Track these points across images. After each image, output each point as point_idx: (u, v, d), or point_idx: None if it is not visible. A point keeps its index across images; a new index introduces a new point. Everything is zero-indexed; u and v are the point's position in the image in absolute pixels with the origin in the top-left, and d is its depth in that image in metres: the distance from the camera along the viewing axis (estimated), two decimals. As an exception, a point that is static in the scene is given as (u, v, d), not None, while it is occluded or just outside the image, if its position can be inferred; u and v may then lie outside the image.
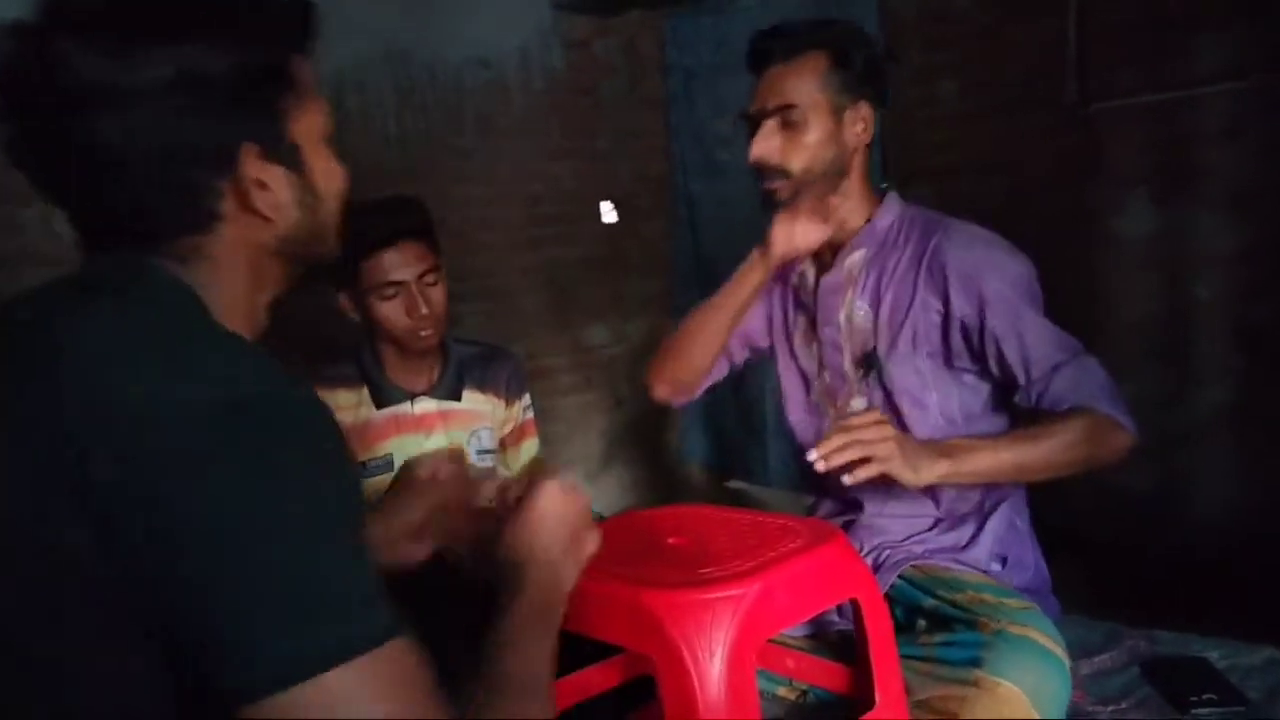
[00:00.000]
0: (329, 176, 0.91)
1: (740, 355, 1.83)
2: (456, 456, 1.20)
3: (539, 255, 3.51)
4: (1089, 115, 2.85)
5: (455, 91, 3.22)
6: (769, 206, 1.57)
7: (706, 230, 3.77)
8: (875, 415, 1.31)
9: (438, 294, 1.75)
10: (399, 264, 1.69)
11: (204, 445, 0.67)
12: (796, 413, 1.73)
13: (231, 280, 0.84)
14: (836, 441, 1.25)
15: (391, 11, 3.01)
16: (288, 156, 0.85)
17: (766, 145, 1.54)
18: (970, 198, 3.06)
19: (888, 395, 1.56)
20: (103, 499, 0.67)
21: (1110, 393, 1.42)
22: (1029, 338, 1.43)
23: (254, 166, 0.82)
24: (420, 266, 1.71)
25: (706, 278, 3.79)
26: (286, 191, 0.85)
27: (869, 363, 1.56)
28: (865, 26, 3.11)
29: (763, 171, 1.56)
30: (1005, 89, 3.05)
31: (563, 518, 0.99)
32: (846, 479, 1.26)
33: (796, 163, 1.52)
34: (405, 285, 1.70)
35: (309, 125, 0.87)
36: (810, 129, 1.52)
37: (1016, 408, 1.49)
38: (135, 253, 0.80)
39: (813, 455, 1.24)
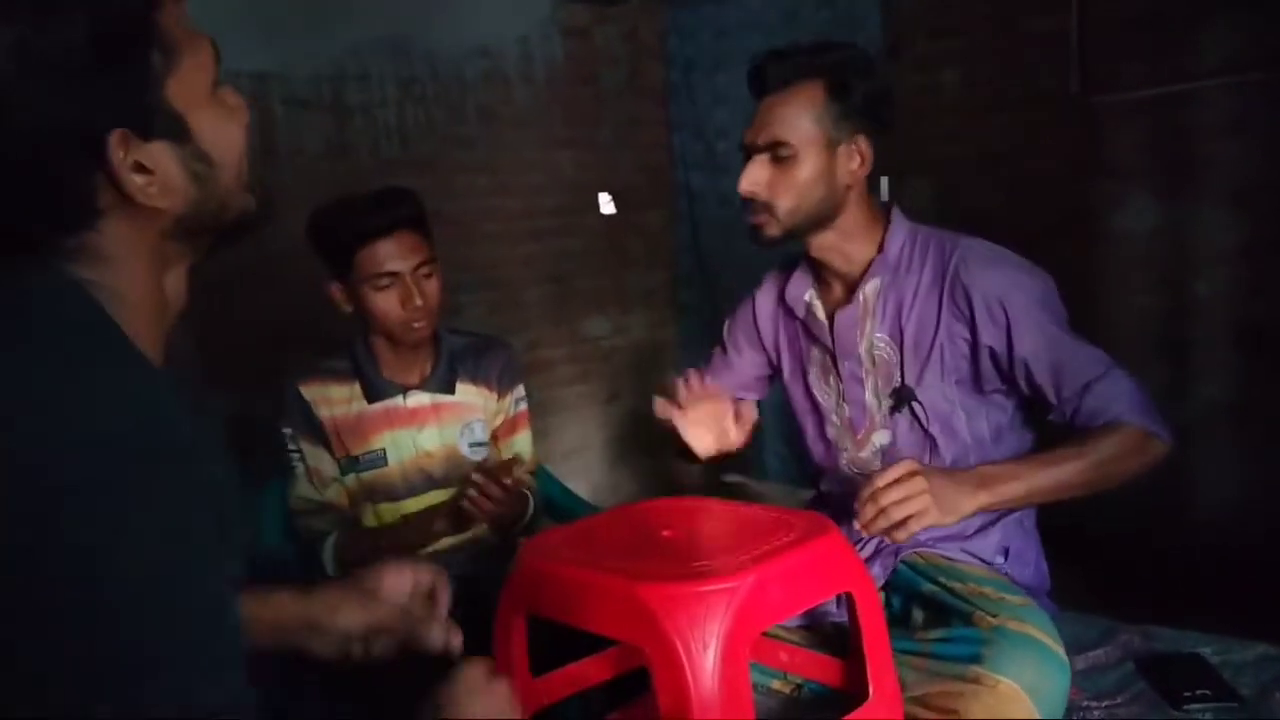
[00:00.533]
0: (223, 133, 0.79)
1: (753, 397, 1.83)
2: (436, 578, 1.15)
3: (540, 246, 3.51)
4: (1091, 108, 2.85)
5: (456, 81, 3.22)
6: (756, 241, 1.55)
7: (706, 223, 3.76)
8: (899, 472, 1.26)
9: (432, 286, 1.74)
10: (395, 255, 1.68)
11: (73, 480, 0.63)
12: (815, 447, 1.71)
13: (131, 272, 0.76)
14: (869, 514, 1.25)
15: (392, 2, 3.00)
16: (167, 127, 0.74)
17: (755, 180, 1.51)
18: (971, 190, 3.06)
19: (918, 424, 1.54)
20: None
21: (1143, 404, 1.41)
22: (1058, 357, 1.42)
23: (127, 150, 0.72)
24: (416, 258, 1.71)
25: (707, 271, 3.79)
26: (174, 167, 0.75)
27: (900, 396, 1.53)
28: (867, 16, 3.14)
29: (750, 204, 1.53)
30: (1007, 81, 3.04)
31: (483, 709, 0.92)
32: (898, 536, 1.26)
33: (784, 201, 1.49)
34: (400, 276, 1.69)
35: (189, 83, 0.75)
36: (801, 166, 1.48)
37: (1046, 422, 1.49)
38: (25, 259, 0.73)
39: (862, 529, 1.27)
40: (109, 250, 0.74)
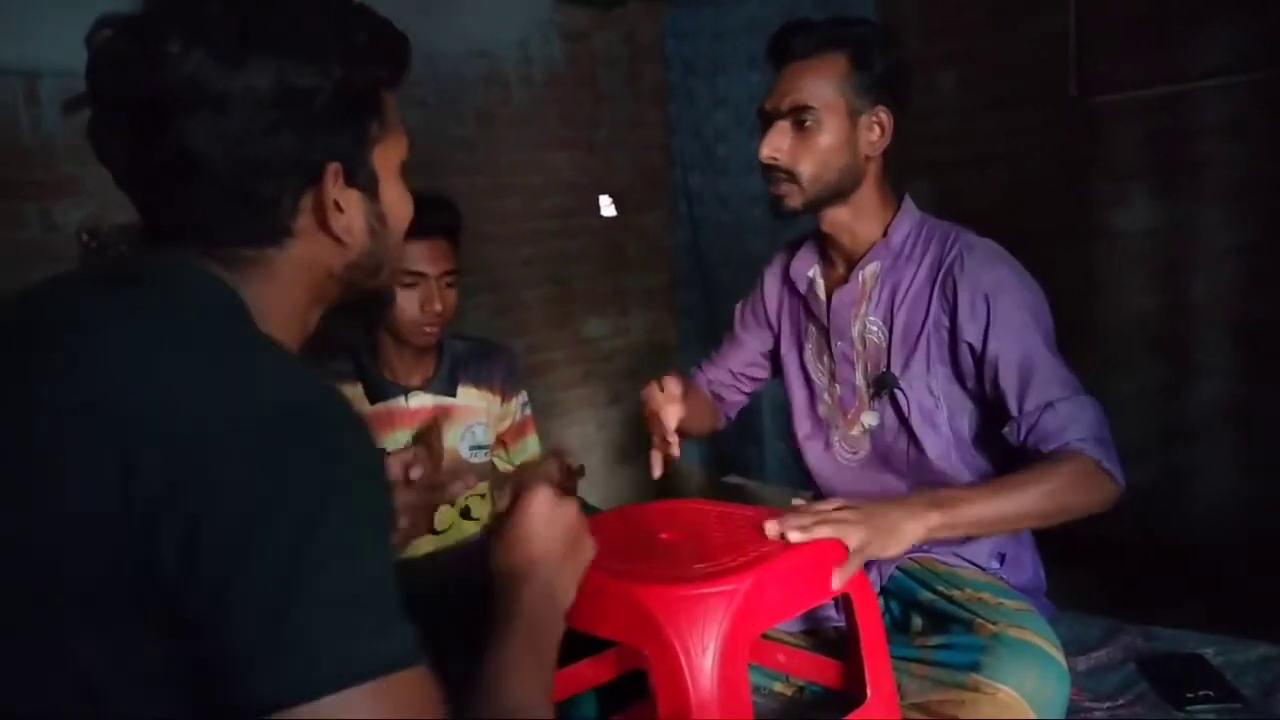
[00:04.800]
0: (400, 207, 0.91)
1: (750, 386, 1.85)
2: (423, 456, 1.16)
3: (540, 248, 3.51)
4: (1089, 108, 2.85)
5: (455, 83, 3.22)
6: (777, 212, 1.53)
7: (706, 224, 3.77)
8: (840, 501, 1.25)
9: (451, 296, 1.78)
10: (426, 257, 1.72)
11: (253, 456, 0.66)
12: (802, 423, 1.70)
13: (287, 294, 0.84)
14: (805, 519, 1.19)
15: (390, 3, 2.99)
16: (367, 182, 0.86)
17: (778, 145, 1.48)
18: (969, 191, 3.06)
19: (899, 414, 1.53)
20: (147, 501, 0.65)
21: (1101, 438, 1.36)
22: (1030, 366, 1.40)
23: (334, 187, 0.82)
24: (443, 265, 1.75)
25: (706, 272, 3.79)
26: (360, 217, 0.86)
27: (882, 382, 1.53)
28: (863, 15, 3.14)
29: (771, 173, 1.51)
30: (1005, 82, 3.04)
31: (556, 527, 0.97)
32: (834, 580, 1.17)
33: (807, 167, 1.48)
34: (426, 279, 1.72)
35: (389, 155, 0.88)
36: (824, 132, 1.47)
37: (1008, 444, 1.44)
38: (192, 255, 0.80)
39: (770, 529, 1.18)
40: (281, 269, 0.83)
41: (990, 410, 1.49)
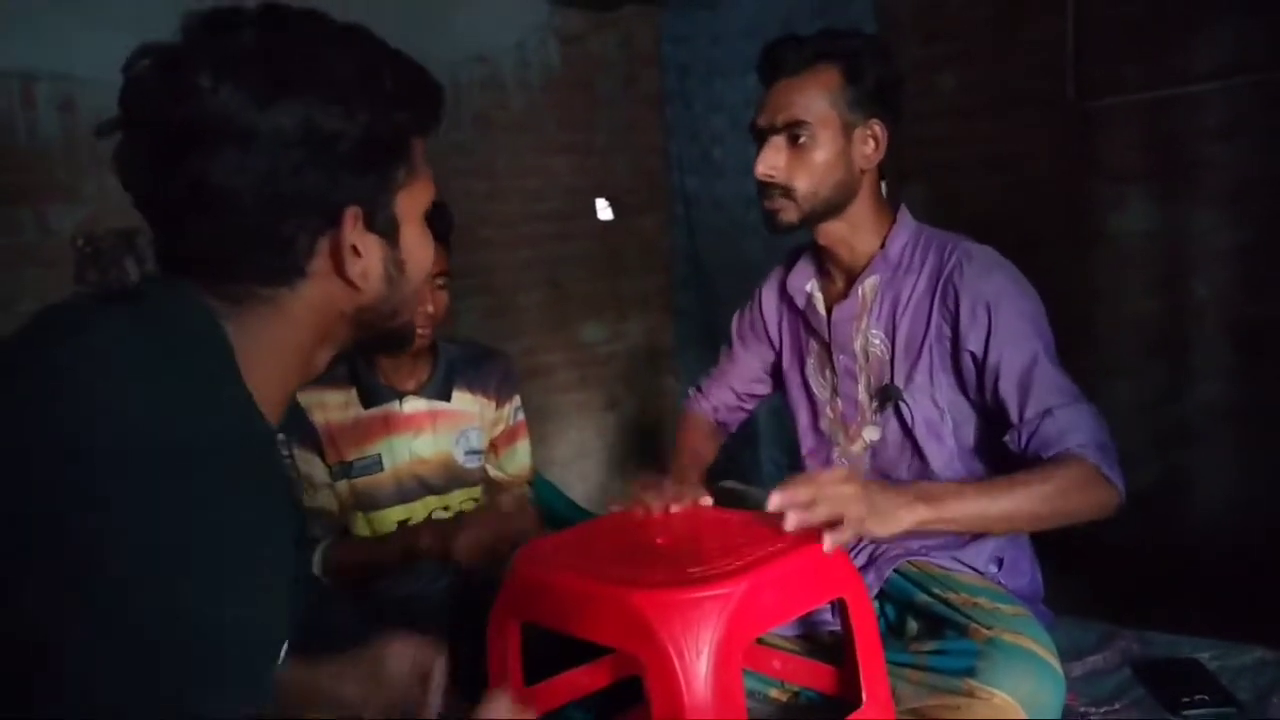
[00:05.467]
0: (419, 256, 0.90)
1: (753, 403, 1.85)
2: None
3: (537, 252, 3.51)
4: (1087, 111, 2.85)
5: (452, 87, 3.20)
6: (772, 228, 1.52)
7: (703, 228, 3.77)
8: (843, 473, 1.23)
9: (442, 298, 1.78)
10: None
11: (135, 471, 0.66)
12: (806, 438, 1.70)
13: (294, 334, 0.84)
14: (803, 495, 1.17)
15: (387, 7, 3.00)
16: (387, 228, 0.85)
17: (773, 163, 1.48)
18: (967, 194, 3.07)
19: (904, 426, 1.52)
20: (46, 505, 0.65)
21: (1102, 445, 1.35)
22: (1030, 374, 1.39)
23: (354, 231, 0.82)
24: (436, 267, 1.72)
25: (703, 275, 3.79)
26: (378, 263, 0.85)
27: (886, 395, 1.52)
28: (862, 21, 3.15)
29: (767, 189, 1.50)
30: (1003, 84, 3.04)
31: None
32: (825, 543, 1.15)
33: (803, 183, 1.47)
34: None
35: (412, 202, 0.88)
36: (819, 148, 1.46)
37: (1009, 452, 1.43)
38: (197, 286, 0.80)
39: (773, 502, 1.16)
40: (290, 309, 0.83)
41: (992, 420, 1.48)
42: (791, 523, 1.15)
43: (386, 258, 0.86)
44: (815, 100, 1.46)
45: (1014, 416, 1.40)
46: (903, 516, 1.23)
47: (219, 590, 0.68)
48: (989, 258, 1.48)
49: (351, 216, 0.81)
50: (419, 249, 0.90)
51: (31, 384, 0.70)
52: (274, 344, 0.82)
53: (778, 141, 1.49)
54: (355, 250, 0.83)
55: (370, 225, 0.83)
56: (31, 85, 2.41)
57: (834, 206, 1.50)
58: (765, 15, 3.37)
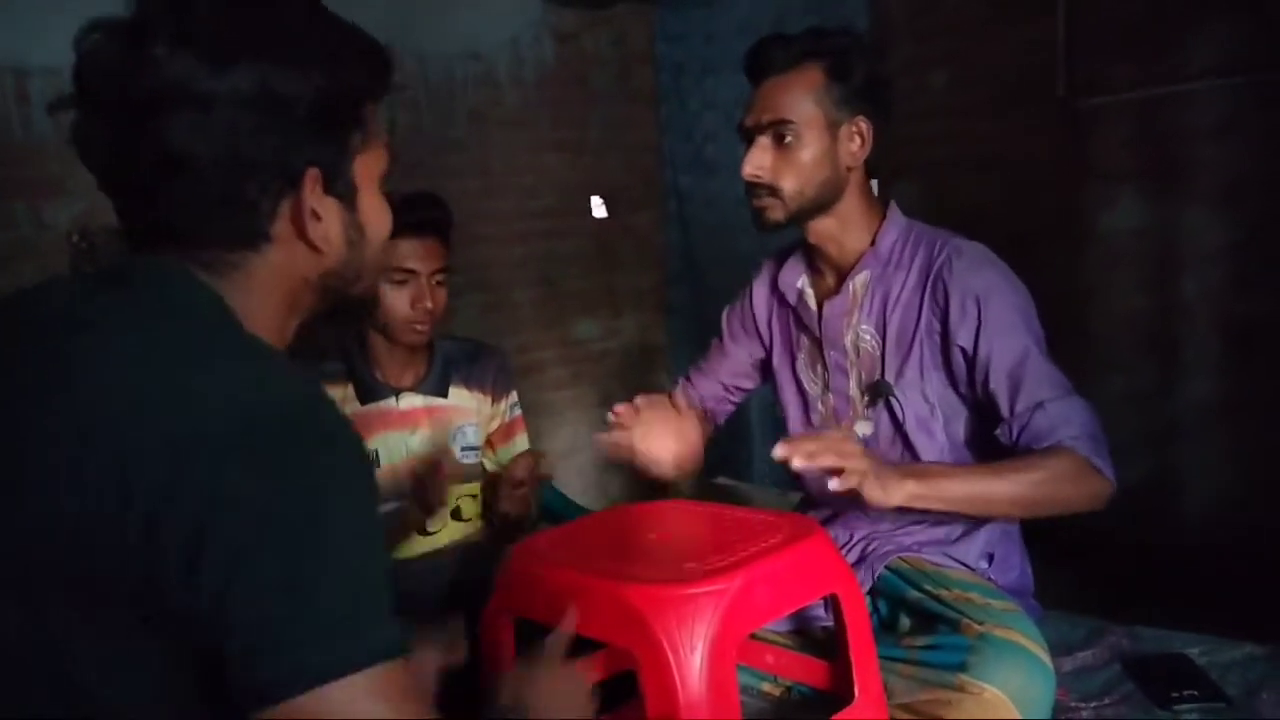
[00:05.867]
0: (378, 219, 0.92)
1: (739, 396, 1.85)
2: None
3: (531, 248, 3.51)
4: (1078, 110, 2.86)
5: (446, 84, 3.22)
6: (760, 226, 1.53)
7: (696, 225, 3.77)
8: (848, 435, 1.29)
9: (441, 295, 1.78)
10: (418, 254, 1.73)
11: (251, 458, 0.69)
12: (796, 432, 1.69)
13: (265, 300, 0.85)
14: (810, 446, 1.22)
15: (381, 5, 3.00)
16: (345, 192, 0.87)
17: (759, 162, 1.49)
18: (959, 192, 3.07)
19: (895, 421, 1.53)
20: (147, 501, 0.67)
21: (1094, 436, 1.37)
22: (1021, 368, 1.40)
23: (313, 195, 0.83)
24: (434, 263, 1.76)
25: (697, 272, 3.80)
26: (338, 226, 0.87)
27: (877, 390, 1.53)
28: (855, 18, 3.15)
29: (754, 189, 1.51)
30: (995, 83, 3.05)
31: (567, 698, 1.01)
32: (832, 485, 1.22)
33: (789, 182, 1.48)
34: (417, 276, 1.73)
35: (369, 167, 0.89)
36: (805, 146, 1.47)
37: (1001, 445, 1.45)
38: (172, 257, 0.81)
39: (779, 451, 1.21)
40: (259, 275, 0.84)
41: (984, 415, 1.49)
42: (798, 464, 1.20)
43: (346, 221, 0.88)
44: (800, 99, 1.47)
45: (1005, 410, 1.41)
46: (895, 490, 1.27)
47: (363, 541, 0.73)
48: (978, 253, 1.49)
49: (311, 179, 0.83)
50: (377, 214, 0.92)
51: (80, 375, 0.72)
52: (247, 311, 0.83)
53: (764, 141, 1.50)
54: (315, 214, 0.84)
55: (329, 189, 0.85)
56: (25, 80, 2.41)
57: (821, 204, 1.51)
58: (759, 13, 3.37)
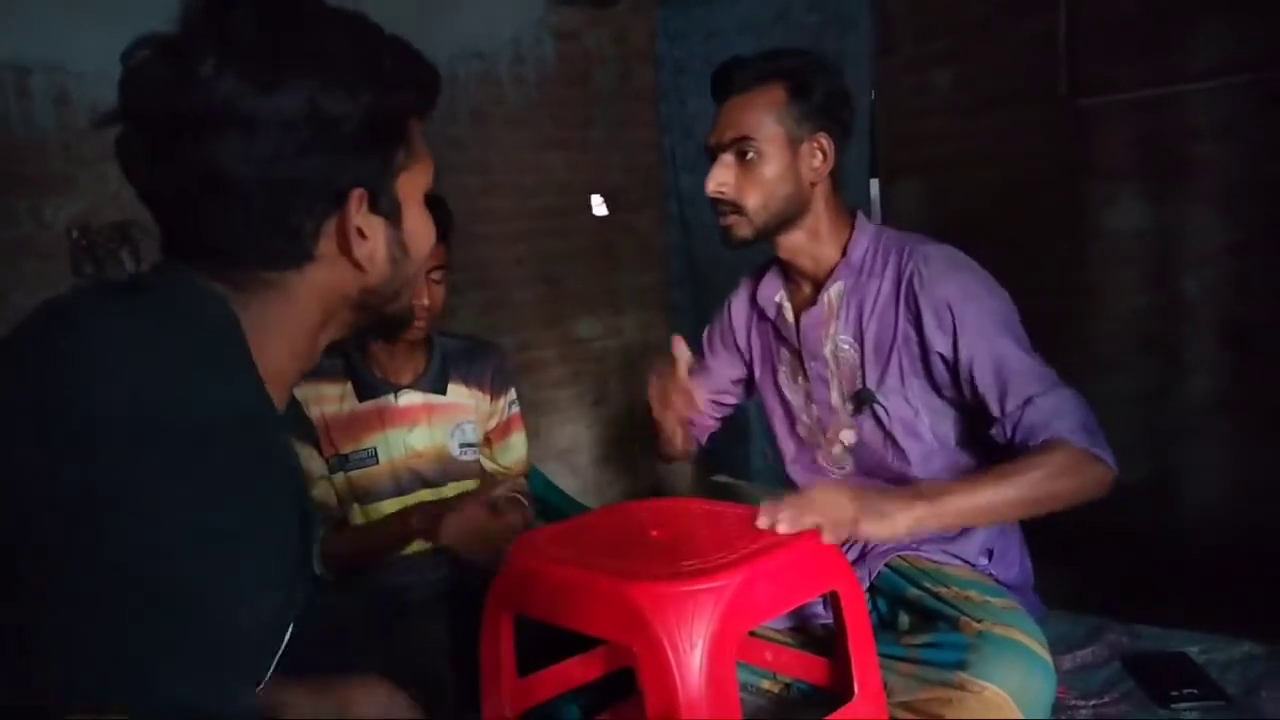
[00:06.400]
0: (422, 237, 0.91)
1: (720, 412, 1.85)
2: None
3: (531, 247, 3.51)
4: (1080, 109, 2.86)
5: (448, 82, 3.16)
6: (728, 243, 1.56)
7: (697, 224, 3.76)
8: (830, 484, 1.29)
9: (439, 292, 1.79)
10: None
11: (163, 458, 0.67)
12: (786, 445, 1.72)
13: (301, 317, 0.84)
14: (788, 512, 1.19)
15: (384, 3, 3.00)
16: (390, 210, 0.86)
17: (722, 179, 1.52)
18: (961, 191, 3.07)
19: (880, 426, 1.54)
20: (54, 491, 0.66)
21: (1088, 426, 1.37)
22: (1005, 368, 1.41)
23: (359, 214, 0.82)
24: (433, 261, 1.75)
25: (697, 272, 3.80)
26: (382, 244, 0.86)
27: (860, 398, 1.54)
28: (857, 16, 3.15)
29: (719, 205, 1.54)
30: (997, 82, 3.05)
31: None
32: (825, 539, 1.19)
33: (752, 198, 1.51)
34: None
35: (413, 183, 0.88)
36: (767, 163, 1.50)
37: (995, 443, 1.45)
38: (203, 272, 0.80)
39: (761, 522, 1.20)
40: (297, 292, 0.83)
41: (971, 414, 1.50)
42: (784, 529, 1.18)
43: (391, 239, 0.86)
44: (762, 117, 1.50)
45: (995, 410, 1.42)
46: (900, 517, 1.25)
47: (220, 571, 0.69)
48: (946, 258, 1.50)
49: (356, 199, 0.82)
50: (421, 230, 0.90)
51: (38, 372, 0.71)
52: (281, 328, 0.82)
53: (727, 159, 1.52)
54: (360, 233, 0.83)
55: (374, 207, 0.84)
56: (26, 78, 2.41)
57: (786, 219, 1.53)
58: (761, 11, 3.37)
